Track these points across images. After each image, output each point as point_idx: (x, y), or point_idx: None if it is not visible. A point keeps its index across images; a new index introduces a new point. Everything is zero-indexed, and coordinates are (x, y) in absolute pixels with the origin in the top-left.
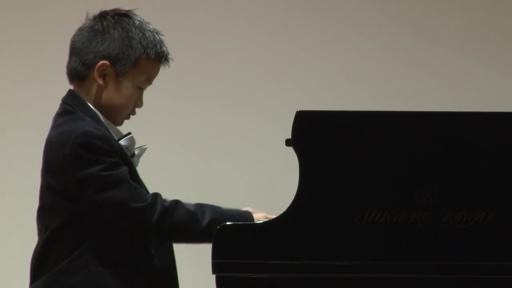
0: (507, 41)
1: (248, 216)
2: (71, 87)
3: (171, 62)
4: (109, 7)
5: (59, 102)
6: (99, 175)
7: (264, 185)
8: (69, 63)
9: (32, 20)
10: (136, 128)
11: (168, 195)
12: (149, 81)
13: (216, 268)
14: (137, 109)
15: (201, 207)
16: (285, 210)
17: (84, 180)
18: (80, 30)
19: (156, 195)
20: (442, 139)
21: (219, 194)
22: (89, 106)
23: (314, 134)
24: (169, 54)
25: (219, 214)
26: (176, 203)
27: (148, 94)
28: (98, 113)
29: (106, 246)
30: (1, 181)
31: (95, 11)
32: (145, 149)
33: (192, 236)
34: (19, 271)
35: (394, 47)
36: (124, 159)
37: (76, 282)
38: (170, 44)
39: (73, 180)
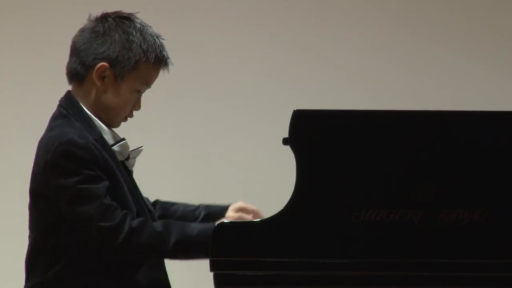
0: (507, 41)
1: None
2: (70, 87)
3: (170, 66)
4: (108, 5)
5: (57, 102)
6: (75, 187)
7: (262, 183)
8: (69, 63)
9: (32, 20)
10: (134, 128)
11: (167, 195)
12: (147, 84)
13: (214, 265)
14: (136, 110)
15: (167, 226)
16: (282, 208)
17: (59, 189)
18: (82, 31)
19: (126, 215)
20: (438, 137)
21: (218, 193)
22: (84, 110)
23: (311, 132)
24: (169, 58)
25: (184, 234)
26: (144, 223)
27: (147, 94)
28: (93, 117)
29: (93, 255)
30: (1, 180)
31: (94, 10)
32: (140, 150)
33: (158, 255)
34: (21, 271)
35: (393, 47)
36: (108, 170)
37: None
38: (169, 44)
39: (50, 186)
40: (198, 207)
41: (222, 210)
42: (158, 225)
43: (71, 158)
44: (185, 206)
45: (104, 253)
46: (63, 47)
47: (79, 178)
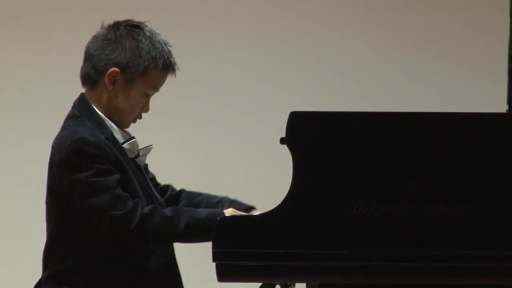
0: (492, 46)
1: (219, 214)
2: (83, 90)
3: (177, 71)
4: (120, 13)
5: (70, 103)
6: (87, 180)
7: (260, 180)
8: (82, 68)
9: (51, 27)
10: (140, 128)
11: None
12: (156, 88)
13: (216, 256)
14: (144, 113)
15: (177, 211)
16: (280, 203)
17: (73, 184)
18: (95, 38)
19: (137, 203)
20: (426, 137)
21: (217, 191)
22: (95, 111)
23: (307, 133)
24: (176, 64)
25: (193, 217)
26: (154, 209)
27: (154, 97)
28: (104, 117)
29: (105, 245)
30: (21, 177)
31: (107, 19)
32: (150, 148)
33: (170, 239)
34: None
35: (386, 50)
36: (119, 165)
37: (76, 281)
38: (176, 49)
39: (64, 183)
40: (221, 199)
41: (246, 209)
42: (167, 210)
43: (83, 155)
44: (209, 197)
45: (114, 243)
46: (78, 52)
47: (90, 173)
